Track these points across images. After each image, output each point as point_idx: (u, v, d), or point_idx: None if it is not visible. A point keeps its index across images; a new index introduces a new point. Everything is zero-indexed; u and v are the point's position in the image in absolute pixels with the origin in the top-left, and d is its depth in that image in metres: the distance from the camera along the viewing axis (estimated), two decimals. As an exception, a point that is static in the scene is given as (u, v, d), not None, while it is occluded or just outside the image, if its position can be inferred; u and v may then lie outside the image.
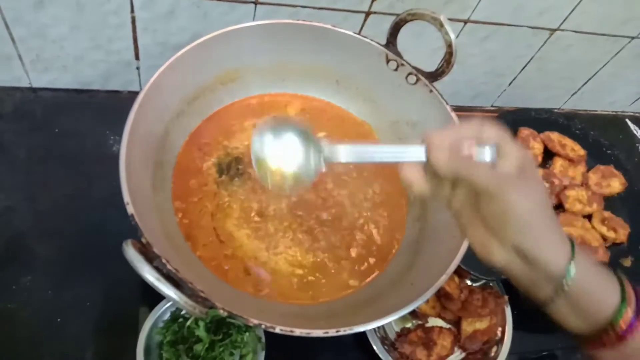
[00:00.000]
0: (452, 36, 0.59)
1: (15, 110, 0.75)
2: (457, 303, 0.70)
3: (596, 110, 1.13)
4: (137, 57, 0.75)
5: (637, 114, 1.16)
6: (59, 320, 0.61)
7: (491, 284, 0.73)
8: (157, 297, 0.54)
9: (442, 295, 0.71)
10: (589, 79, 1.02)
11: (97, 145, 0.74)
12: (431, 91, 0.66)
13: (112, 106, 0.76)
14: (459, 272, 0.72)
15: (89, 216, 0.68)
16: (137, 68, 0.77)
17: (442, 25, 0.58)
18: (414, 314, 0.70)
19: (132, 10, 0.68)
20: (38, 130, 0.74)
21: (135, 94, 0.55)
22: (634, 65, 1.00)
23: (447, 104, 0.65)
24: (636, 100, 1.13)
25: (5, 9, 0.64)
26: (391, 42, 0.66)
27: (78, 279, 0.64)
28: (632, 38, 0.93)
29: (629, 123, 1.14)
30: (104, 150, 0.74)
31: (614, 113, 1.15)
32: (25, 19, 0.66)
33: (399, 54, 0.67)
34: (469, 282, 0.73)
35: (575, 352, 0.78)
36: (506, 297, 0.72)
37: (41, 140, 0.73)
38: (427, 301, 0.70)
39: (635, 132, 1.13)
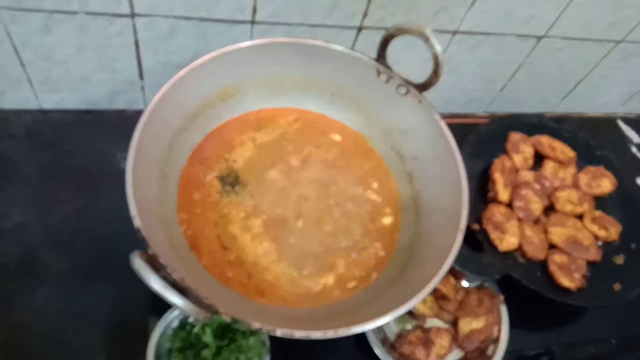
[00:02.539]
0: (438, 49, 0.60)
1: (26, 130, 0.77)
2: (453, 303, 0.72)
3: (588, 112, 1.14)
4: (141, 77, 0.78)
5: (629, 115, 1.18)
6: (71, 331, 0.63)
7: (486, 284, 0.75)
8: (165, 306, 0.56)
9: (439, 297, 0.72)
10: (580, 82, 1.03)
11: (104, 162, 0.76)
12: (420, 101, 0.68)
13: (118, 124, 0.78)
14: (454, 274, 0.73)
15: (98, 230, 0.70)
16: (142, 87, 0.80)
17: (428, 39, 0.60)
18: (412, 315, 0.71)
19: (135, 33, 0.70)
20: (48, 149, 0.76)
21: (140, 112, 0.57)
22: (622, 67, 1.02)
23: (436, 113, 0.67)
24: (627, 100, 1.14)
25: (14, 35, 0.67)
26: (381, 55, 0.67)
27: (89, 291, 0.66)
28: (619, 42, 0.94)
29: (621, 123, 1.15)
30: (111, 167, 0.76)
31: (606, 114, 1.16)
32: (33, 43, 0.69)
33: (389, 67, 0.69)
34: (464, 283, 0.75)
35: (571, 348, 0.79)
36: (501, 296, 0.74)
37: (51, 159, 0.75)
38: (425, 302, 0.72)
39: (626, 132, 1.14)
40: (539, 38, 0.89)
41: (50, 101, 0.79)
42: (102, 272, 0.67)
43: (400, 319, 0.72)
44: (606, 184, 0.89)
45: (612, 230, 0.84)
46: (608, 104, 1.14)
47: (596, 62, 0.99)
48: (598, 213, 0.86)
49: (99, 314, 0.65)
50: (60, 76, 0.75)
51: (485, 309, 0.71)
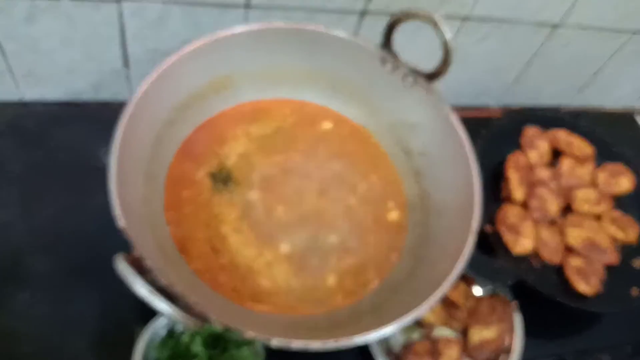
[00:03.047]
0: (448, 35, 0.58)
1: (7, 125, 0.75)
2: (463, 311, 0.69)
3: (605, 107, 1.11)
4: (127, 66, 0.75)
5: (647, 109, 1.15)
6: (55, 337, 0.61)
7: (499, 290, 0.71)
8: (152, 312, 0.54)
9: (447, 304, 0.69)
10: (596, 74, 1.01)
11: (90, 158, 0.73)
12: (428, 92, 0.65)
13: (104, 117, 0.75)
14: (465, 279, 0.70)
15: (85, 230, 0.68)
16: (128, 77, 0.77)
17: (437, 25, 0.57)
18: (419, 324, 0.68)
19: (122, 18, 0.68)
20: (31, 145, 0.74)
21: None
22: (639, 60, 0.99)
23: (445, 105, 0.64)
24: (645, 94, 1.11)
25: (-3, 27, 0.65)
26: (386, 43, 0.65)
27: (75, 295, 0.64)
28: (635, 32, 0.91)
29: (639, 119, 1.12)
30: (97, 162, 0.72)
31: (624, 109, 1.13)
32: (17, 34, 0.67)
33: (394, 55, 0.66)
34: (475, 289, 0.71)
35: (585, 356, 0.77)
36: (515, 303, 0.71)
37: (35, 155, 0.73)
38: (433, 310, 0.69)
39: (645, 128, 1.11)
40: (553, 27, 0.86)
41: (33, 93, 0.76)
42: (89, 275, 0.65)
43: (406, 328, 0.67)
44: (625, 183, 0.87)
45: (631, 232, 0.82)
46: (624, 98, 1.11)
47: (611, 54, 0.96)
48: (617, 213, 0.83)
49: (84, 320, 0.63)
50: (45, 67, 0.72)
51: (498, 316, 0.68)
